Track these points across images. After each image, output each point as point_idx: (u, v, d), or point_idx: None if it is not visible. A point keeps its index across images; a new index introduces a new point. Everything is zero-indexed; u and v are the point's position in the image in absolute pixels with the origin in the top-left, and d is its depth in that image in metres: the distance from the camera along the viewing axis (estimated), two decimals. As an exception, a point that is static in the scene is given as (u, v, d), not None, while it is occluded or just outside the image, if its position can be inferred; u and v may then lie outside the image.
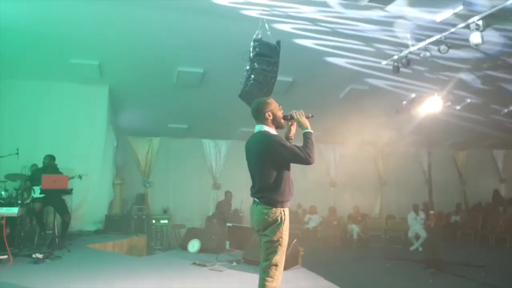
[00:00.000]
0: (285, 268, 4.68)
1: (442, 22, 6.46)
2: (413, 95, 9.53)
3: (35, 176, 6.27)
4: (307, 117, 3.06)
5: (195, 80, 8.64)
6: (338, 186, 13.31)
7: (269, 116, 2.97)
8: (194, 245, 6.12)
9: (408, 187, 13.33)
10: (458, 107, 10.64)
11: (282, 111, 3.05)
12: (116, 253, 6.58)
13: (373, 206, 13.57)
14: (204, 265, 5.22)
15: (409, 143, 12.86)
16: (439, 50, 6.69)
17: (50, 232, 6.17)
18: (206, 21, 6.65)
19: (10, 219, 5.56)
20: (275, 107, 3.01)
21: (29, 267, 4.96)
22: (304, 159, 2.81)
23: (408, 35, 7.07)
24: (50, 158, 6.45)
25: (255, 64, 6.29)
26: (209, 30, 6.84)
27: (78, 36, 6.84)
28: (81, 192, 7.91)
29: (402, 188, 13.42)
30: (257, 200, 2.87)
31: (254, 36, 6.33)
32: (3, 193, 6.55)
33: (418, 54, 7.14)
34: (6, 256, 5.17)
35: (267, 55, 6.32)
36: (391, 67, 7.68)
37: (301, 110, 3.06)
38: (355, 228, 10.78)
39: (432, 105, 8.47)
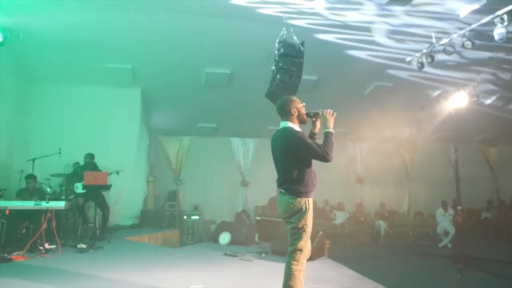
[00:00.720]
0: (312, 259, 4.97)
1: (466, 17, 6.52)
2: (439, 91, 9.50)
3: (77, 173, 6.77)
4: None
5: (223, 80, 8.97)
6: (365, 183, 13.34)
7: (295, 112, 3.23)
8: (225, 238, 6.44)
9: (437, 184, 13.14)
10: (488, 102, 10.51)
11: (305, 108, 3.31)
12: (151, 245, 6.98)
13: (401, 202, 13.50)
14: (235, 256, 5.52)
15: (437, 139, 12.73)
16: (463, 46, 6.73)
17: (92, 225, 6.63)
18: (231, 24, 6.95)
19: (56, 213, 6.07)
20: (299, 104, 3.27)
21: (75, 255, 5.41)
22: (322, 156, 3.06)
23: (432, 33, 7.15)
24: (91, 156, 6.95)
25: (280, 64, 6.54)
26: (234, 33, 7.15)
27: (113, 42, 7.33)
28: (118, 189, 8.35)
29: (431, 184, 13.24)
30: (283, 190, 3.15)
31: (279, 37, 6.61)
32: (48, 189, 7.11)
33: (442, 50, 7.19)
34: (54, 246, 5.67)
35: (292, 55, 6.56)
36: (415, 63, 7.75)
37: (330, 110, 3.28)
38: (382, 224, 10.83)
39: (458, 100, 8.41)
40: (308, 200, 3.08)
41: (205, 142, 12.27)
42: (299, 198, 3.05)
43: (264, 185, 12.13)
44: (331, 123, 3.24)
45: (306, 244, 3.07)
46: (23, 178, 6.72)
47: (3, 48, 6.28)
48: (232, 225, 7.00)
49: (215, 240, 6.63)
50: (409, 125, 11.42)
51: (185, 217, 10.65)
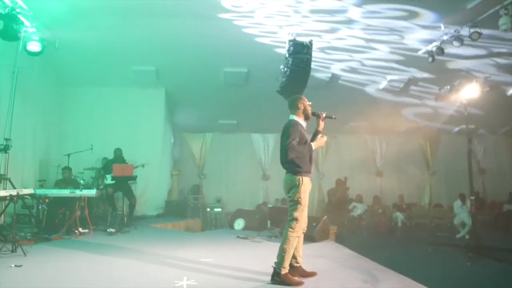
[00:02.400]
0: (316, 241, 5.38)
1: (472, 9, 6.69)
2: (456, 82, 9.59)
3: (107, 166, 7.49)
4: (330, 117, 3.98)
5: (240, 79, 9.49)
6: (385, 176, 13.48)
7: (301, 106, 3.87)
8: (239, 223, 6.97)
9: (459, 176, 13.12)
10: (510, 92, 10.46)
11: (311, 107, 3.94)
12: (174, 230, 7.61)
13: (421, 195, 13.56)
14: (246, 238, 6.02)
15: (457, 131, 12.74)
16: (470, 37, 6.92)
17: (120, 212, 7.33)
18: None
19: (88, 202, 6.81)
20: (306, 101, 3.94)
21: (106, 237, 6.08)
22: (286, 148, 3.62)
23: (442, 26, 7.35)
24: (119, 151, 7.69)
25: (290, 61, 7.01)
26: (250, 35, 7.66)
27: (137, 47, 8.00)
28: (143, 181, 9.09)
29: (452, 177, 13.23)
30: (285, 170, 3.74)
31: (289, 36, 7.08)
32: (82, 181, 7.88)
33: (450, 42, 7.39)
34: (87, 230, 6.39)
35: (300, 52, 6.99)
36: (427, 56, 7.96)
37: (323, 113, 3.97)
38: (399, 216, 11.01)
39: (470, 91, 8.51)
40: (302, 178, 3.63)
41: (227, 138, 12.86)
42: (295, 176, 3.63)
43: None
44: (321, 125, 3.94)
45: (301, 215, 3.61)
46: (60, 171, 7.53)
47: (42, 56, 7.07)
48: (247, 212, 7.51)
49: (231, 226, 7.17)
50: (429, 118, 11.54)
51: (208, 209, 11.28)
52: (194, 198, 11.49)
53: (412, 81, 9.73)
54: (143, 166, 7.57)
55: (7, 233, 5.21)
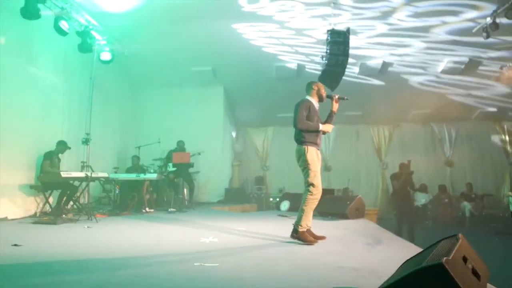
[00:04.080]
0: (348, 218, 5.66)
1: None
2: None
3: (169, 156, 8.52)
4: (342, 99, 4.39)
5: (291, 72, 9.95)
6: (456, 165, 12.78)
7: (315, 88, 4.39)
8: (284, 205, 7.47)
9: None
10: None
11: (325, 92, 4.45)
12: (229, 211, 8.36)
13: (499, 185, 12.55)
14: (286, 216, 6.50)
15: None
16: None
17: (181, 196, 8.29)
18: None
19: (153, 187, 7.95)
20: (321, 85, 4.45)
21: (165, 214, 7.04)
22: (295, 121, 4.16)
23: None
24: (182, 143, 8.68)
25: (328, 50, 7.36)
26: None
27: (194, 49, 8.92)
28: (206, 172, 10.06)
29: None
30: (296, 142, 4.25)
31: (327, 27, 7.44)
32: (152, 171, 9.04)
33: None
34: (152, 210, 7.44)
35: (337, 41, 7.30)
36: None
37: (336, 95, 4.41)
38: (467, 206, 10.46)
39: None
40: (308, 147, 4.12)
41: (287, 131, 13.20)
42: (301, 145, 4.17)
43: (346, 168, 12.73)
44: (335, 106, 4.40)
45: (315, 180, 4.06)
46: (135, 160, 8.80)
47: (116, 63, 8.39)
48: (292, 195, 7.92)
49: (278, 207, 7.70)
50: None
51: (271, 199, 11.92)
52: (257, 188, 12.24)
53: (475, 62, 9.25)
54: (199, 154, 8.50)
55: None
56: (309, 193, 4.02)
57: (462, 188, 11.96)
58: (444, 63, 9.54)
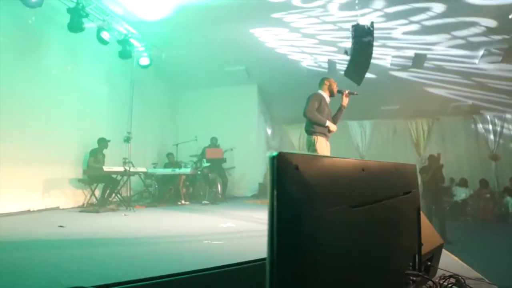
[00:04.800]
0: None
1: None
2: None
3: (204, 152, 9.06)
4: (352, 94, 4.53)
5: (323, 68, 10.14)
6: (503, 159, 12.21)
7: (327, 83, 4.68)
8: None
9: None
10: None
11: (337, 88, 4.72)
12: (260, 204, 8.73)
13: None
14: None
15: None
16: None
17: (215, 190, 8.81)
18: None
19: (191, 182, 8.53)
20: (333, 81, 4.72)
21: (198, 206, 7.58)
22: (305, 112, 4.39)
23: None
24: (215, 139, 9.20)
25: (352, 45, 7.49)
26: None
27: (228, 49, 9.38)
28: (241, 168, 10.53)
29: None
30: (306, 133, 4.52)
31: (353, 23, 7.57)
32: (189, 167, 9.65)
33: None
34: (188, 202, 8.02)
35: (362, 36, 7.40)
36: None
37: (346, 90, 4.69)
38: (510, 201, 10.02)
39: None
40: (316, 137, 4.37)
41: (323, 127, 13.45)
42: (311, 136, 4.42)
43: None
44: (345, 101, 4.68)
45: None
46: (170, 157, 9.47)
47: (155, 67, 9.10)
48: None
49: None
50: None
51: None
52: (293, 184, 12.50)
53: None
54: (231, 149, 8.98)
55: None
56: None
57: (507, 183, 11.45)
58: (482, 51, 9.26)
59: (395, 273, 1.10)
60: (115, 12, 7.43)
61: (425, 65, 9.92)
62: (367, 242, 0.95)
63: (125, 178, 7.13)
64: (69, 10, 6.24)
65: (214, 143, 9.16)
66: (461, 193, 10.99)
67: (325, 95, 4.66)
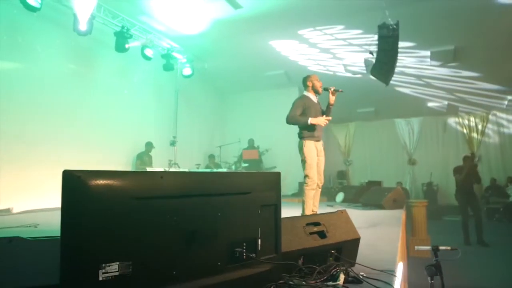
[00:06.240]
0: (384, 208, 6.01)
1: None
2: None
3: (241, 153, 9.74)
4: (337, 91, 4.74)
5: (360, 68, 10.24)
6: None
7: (310, 84, 4.76)
8: (339, 196, 7.98)
9: None
10: None
11: (321, 83, 4.79)
12: (297, 203, 9.13)
13: None
14: (331, 206, 7.08)
15: None
16: None
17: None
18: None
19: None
20: (315, 79, 4.78)
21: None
22: (286, 119, 4.61)
23: None
24: (252, 141, 9.82)
25: (378, 45, 7.61)
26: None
27: (266, 55, 9.91)
28: (283, 167, 10.94)
29: None
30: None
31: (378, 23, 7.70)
32: (233, 167, 10.38)
33: None
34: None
35: (386, 36, 7.51)
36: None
37: (332, 88, 4.66)
38: None
39: None
40: (305, 141, 4.53)
41: (370, 126, 13.41)
42: (301, 140, 4.61)
43: (432, 162, 12.28)
44: (331, 99, 4.64)
45: (310, 172, 4.51)
46: (217, 159, 10.25)
47: (200, 76, 9.98)
48: (350, 187, 8.30)
49: (334, 198, 8.26)
50: None
51: (350, 192, 12.27)
52: (339, 183, 12.69)
53: None
54: (266, 151, 9.49)
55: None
56: (305, 184, 4.52)
57: None
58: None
59: (226, 248, 1.58)
60: (158, 29, 8.36)
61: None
62: (188, 226, 1.45)
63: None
64: (116, 33, 7.26)
65: (251, 144, 9.77)
66: (514, 193, 10.39)
67: (311, 95, 4.68)
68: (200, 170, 8.95)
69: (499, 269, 5.68)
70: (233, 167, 9.60)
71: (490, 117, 11.93)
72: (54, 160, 6.46)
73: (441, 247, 2.53)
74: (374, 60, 7.74)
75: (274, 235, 1.85)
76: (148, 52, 8.10)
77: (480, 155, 11.98)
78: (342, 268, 2.05)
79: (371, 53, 7.86)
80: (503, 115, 11.82)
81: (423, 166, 12.49)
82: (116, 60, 7.97)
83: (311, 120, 4.44)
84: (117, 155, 7.93)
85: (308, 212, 4.57)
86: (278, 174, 1.96)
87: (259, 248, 1.71)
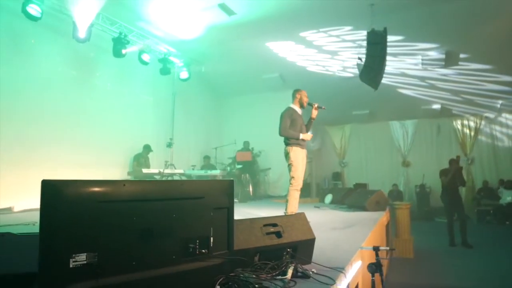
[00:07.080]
0: (367, 210, 6.28)
1: None
2: None
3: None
4: (320, 108, 5.10)
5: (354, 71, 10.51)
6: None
7: (298, 96, 5.27)
8: (328, 198, 8.26)
9: None
10: None
11: (308, 99, 5.28)
12: (283, 203, 9.42)
13: None
14: (318, 207, 7.35)
15: None
16: None
17: (247, 189, 9.70)
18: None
19: (225, 180, 9.47)
20: (304, 94, 5.29)
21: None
22: (279, 131, 4.97)
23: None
24: (247, 143, 10.11)
25: (366, 51, 7.88)
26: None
27: (263, 57, 10.18)
28: (279, 169, 11.24)
29: None
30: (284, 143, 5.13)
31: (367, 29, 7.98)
32: (228, 168, 10.67)
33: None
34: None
35: (375, 42, 7.77)
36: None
37: (316, 104, 5.19)
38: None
39: None
40: (291, 148, 4.95)
41: (364, 128, 13.65)
42: (286, 146, 5.02)
43: (426, 164, 12.48)
44: (314, 113, 5.14)
45: (296, 174, 4.96)
46: (213, 160, 10.55)
47: (197, 79, 10.28)
48: (338, 189, 8.57)
49: (322, 200, 8.54)
50: None
51: (344, 193, 12.54)
52: (334, 184, 12.95)
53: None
54: (260, 152, 9.78)
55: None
56: (290, 185, 4.95)
57: None
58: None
59: (180, 244, 1.88)
60: (155, 34, 8.67)
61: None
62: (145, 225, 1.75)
63: (163, 179, 8.34)
64: (113, 39, 7.58)
65: (246, 146, 10.06)
66: (507, 196, 10.59)
67: (296, 107, 5.19)
68: (195, 171, 9.26)
69: (479, 270, 5.92)
70: (228, 168, 9.89)
71: (483, 120, 12.12)
72: (53, 161, 6.79)
73: (381, 248, 2.80)
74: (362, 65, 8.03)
75: (227, 234, 2.15)
76: (145, 57, 8.41)
77: (473, 157, 12.19)
78: (291, 264, 2.34)
79: (359, 59, 8.15)
80: (496, 118, 12.00)
81: (417, 168, 12.71)
82: (114, 65, 8.28)
83: (302, 136, 4.96)
84: (115, 157, 8.25)
85: (291, 210, 4.90)
86: (232, 181, 2.24)
87: (211, 245, 2.01)
